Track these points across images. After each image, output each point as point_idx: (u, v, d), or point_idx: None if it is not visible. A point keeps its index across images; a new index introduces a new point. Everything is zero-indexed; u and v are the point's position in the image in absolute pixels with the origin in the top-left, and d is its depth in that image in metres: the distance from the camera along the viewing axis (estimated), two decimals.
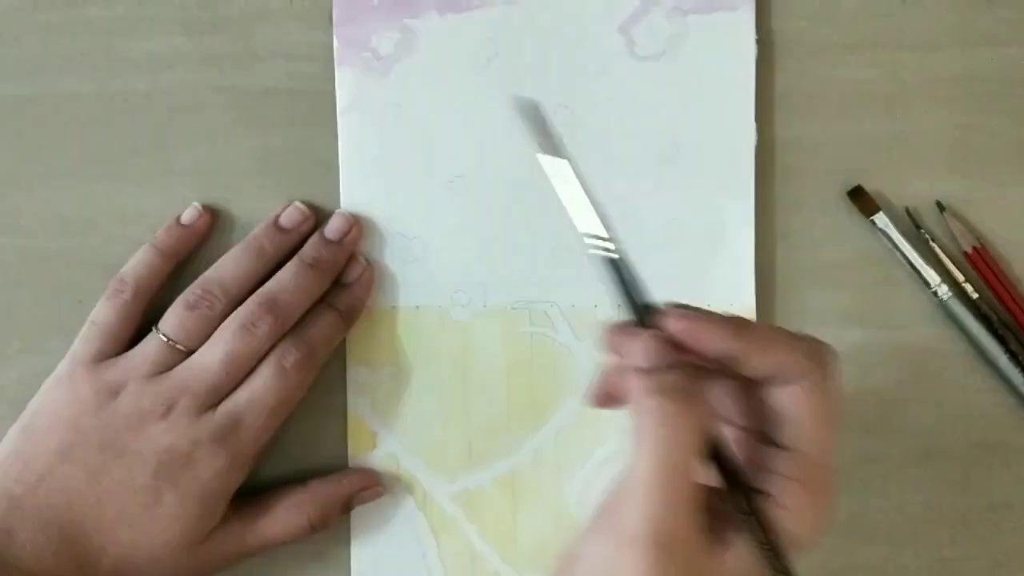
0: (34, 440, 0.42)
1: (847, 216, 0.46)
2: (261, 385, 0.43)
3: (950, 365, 0.46)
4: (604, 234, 0.34)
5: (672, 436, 0.31)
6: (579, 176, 0.35)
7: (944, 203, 0.46)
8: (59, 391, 0.43)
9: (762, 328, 0.34)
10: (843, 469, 0.46)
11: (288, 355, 0.43)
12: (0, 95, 0.47)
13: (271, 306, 0.43)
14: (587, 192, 0.35)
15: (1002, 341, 0.45)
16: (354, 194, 0.46)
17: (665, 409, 0.32)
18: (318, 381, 0.45)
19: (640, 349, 0.33)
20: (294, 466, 0.47)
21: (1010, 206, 0.46)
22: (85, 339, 0.44)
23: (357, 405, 0.47)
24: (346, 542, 0.47)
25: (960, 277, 0.46)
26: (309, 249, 0.45)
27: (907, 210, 0.46)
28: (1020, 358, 0.45)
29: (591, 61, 0.46)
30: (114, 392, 0.42)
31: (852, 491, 0.47)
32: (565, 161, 0.35)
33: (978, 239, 0.46)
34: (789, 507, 0.32)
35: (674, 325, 0.33)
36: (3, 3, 0.47)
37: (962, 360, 0.46)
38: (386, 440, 0.47)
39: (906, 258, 0.46)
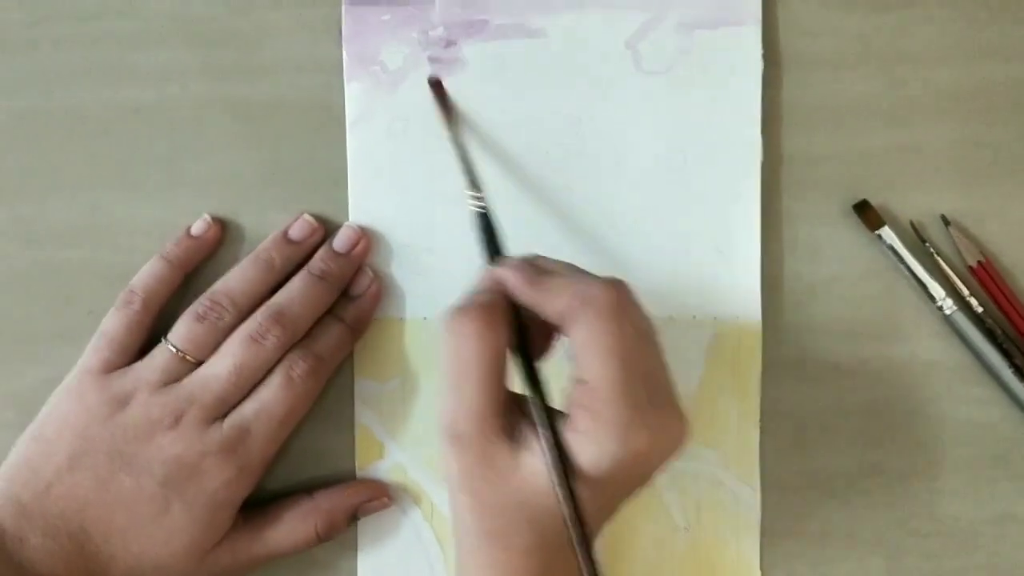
0: (43, 448, 0.42)
1: (852, 230, 0.47)
2: (269, 396, 0.43)
3: (955, 378, 0.47)
4: (477, 192, 0.42)
5: (454, 344, 0.37)
6: (460, 142, 0.44)
7: (949, 217, 0.46)
8: (68, 400, 0.43)
9: (551, 279, 0.38)
10: (847, 481, 0.47)
11: (296, 366, 0.43)
12: (11, 106, 0.47)
13: (279, 318, 0.43)
14: (466, 155, 0.44)
15: (1007, 355, 0.45)
16: (363, 206, 0.47)
17: (450, 322, 0.37)
18: (326, 392, 0.46)
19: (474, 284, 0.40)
20: (302, 476, 0.47)
21: (1015, 220, 0.47)
22: (94, 349, 0.44)
23: (365, 416, 0.47)
24: (353, 552, 0.47)
25: (965, 291, 0.46)
26: (317, 261, 0.45)
27: (912, 224, 0.46)
28: None
29: (598, 76, 0.46)
30: (123, 402, 0.43)
31: (855, 503, 0.47)
32: (448, 132, 0.45)
33: (983, 253, 0.46)
34: (577, 430, 0.36)
35: (497, 271, 0.39)
36: (14, 16, 0.47)
37: (966, 373, 0.47)
38: (393, 451, 0.47)
39: (911, 272, 0.46)
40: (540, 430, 0.37)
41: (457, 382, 0.37)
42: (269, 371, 0.43)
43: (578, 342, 0.36)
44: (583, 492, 0.36)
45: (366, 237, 0.46)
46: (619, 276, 0.46)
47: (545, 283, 0.38)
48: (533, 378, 0.38)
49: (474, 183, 0.43)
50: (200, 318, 0.44)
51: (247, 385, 0.43)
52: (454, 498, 0.38)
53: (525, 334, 0.39)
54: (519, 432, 0.37)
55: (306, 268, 0.45)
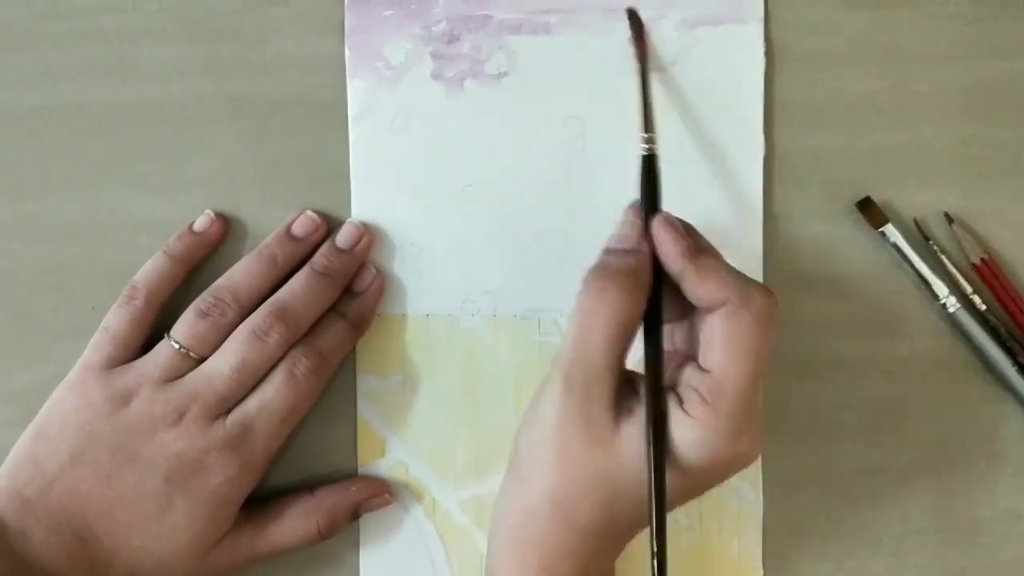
0: (45, 444, 0.42)
1: (856, 227, 0.47)
2: (272, 393, 0.43)
3: (958, 376, 0.47)
4: (650, 133, 0.41)
5: (592, 305, 0.37)
6: (645, 80, 0.43)
7: (952, 214, 0.46)
8: (71, 397, 0.43)
9: (710, 260, 0.38)
10: (850, 479, 0.47)
11: (299, 363, 0.43)
12: (14, 103, 0.47)
13: (282, 314, 0.43)
14: (646, 95, 0.42)
15: (1010, 352, 0.45)
16: (365, 203, 0.47)
17: (592, 282, 0.38)
18: (328, 388, 0.46)
19: (616, 230, 0.40)
20: (304, 472, 0.47)
21: (1019, 217, 0.47)
22: (97, 345, 0.44)
23: (366, 412, 0.47)
24: (355, 548, 0.47)
25: (968, 288, 0.46)
26: (320, 258, 0.45)
27: (915, 221, 0.46)
28: None
29: (601, 72, 0.46)
30: (126, 398, 0.43)
31: (858, 500, 0.47)
32: (637, 65, 0.43)
33: (986, 250, 0.46)
34: (689, 414, 0.36)
35: (653, 226, 0.39)
36: (17, 12, 0.47)
37: (969, 371, 0.47)
38: (395, 447, 0.47)
39: (914, 269, 0.46)
40: (646, 397, 0.37)
41: (584, 336, 0.37)
42: (272, 367, 0.43)
43: (720, 334, 0.36)
44: (668, 474, 0.36)
45: (368, 233, 0.46)
46: None
47: (704, 263, 0.38)
48: (656, 348, 0.38)
49: (649, 124, 0.42)
50: (203, 314, 0.44)
51: (250, 382, 0.43)
52: (537, 451, 0.38)
53: (660, 307, 0.39)
54: (625, 403, 0.38)
55: (309, 264, 0.45)
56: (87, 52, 0.47)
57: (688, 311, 0.39)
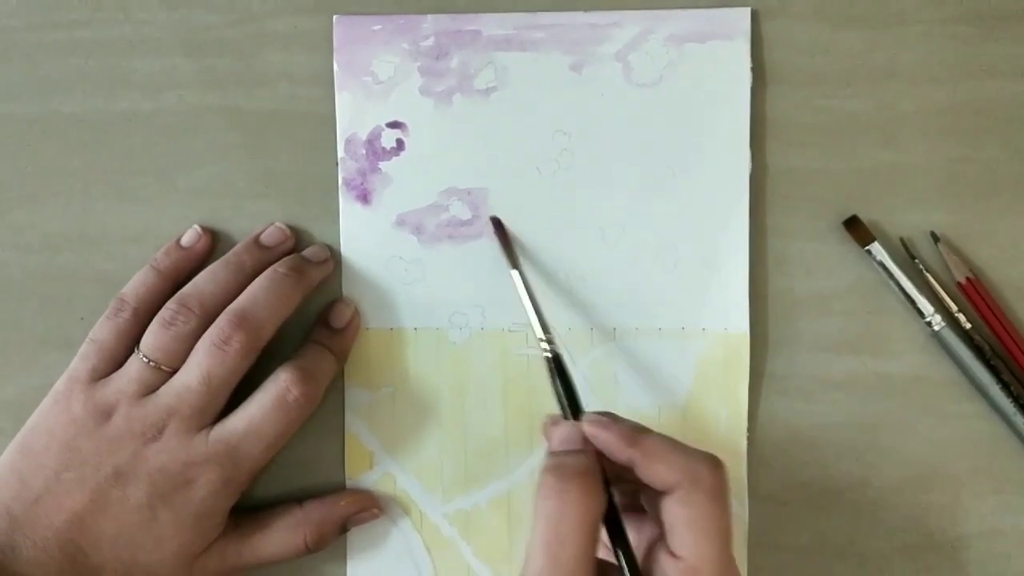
0: (31, 459, 0.42)
1: (842, 245, 0.47)
2: (260, 416, 0.43)
3: (942, 394, 0.47)
4: (548, 335, 0.41)
5: (558, 509, 0.35)
6: (527, 284, 0.43)
7: (938, 234, 0.46)
8: (56, 410, 0.43)
9: (655, 441, 0.37)
10: (835, 495, 0.47)
11: (293, 388, 0.43)
12: (5, 113, 0.47)
13: (240, 321, 0.43)
14: (532, 298, 0.43)
15: (994, 371, 0.45)
16: (353, 216, 0.47)
17: (553, 485, 0.36)
18: None
19: (555, 436, 0.39)
20: (292, 485, 0.47)
21: (1003, 237, 0.47)
22: (83, 357, 0.44)
23: (354, 425, 0.47)
24: (342, 560, 0.47)
25: (953, 307, 0.46)
26: (281, 265, 0.45)
27: (901, 240, 0.46)
28: (1012, 388, 0.45)
29: (588, 88, 0.46)
30: (107, 413, 0.43)
31: (843, 518, 0.47)
32: (516, 272, 0.44)
33: (971, 270, 0.46)
34: None
35: (586, 428, 0.38)
36: (8, 22, 0.47)
37: (954, 389, 0.47)
38: (383, 460, 0.47)
39: (900, 288, 0.46)
40: None
41: (554, 547, 0.35)
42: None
43: (682, 518, 0.36)
44: None
45: (331, 259, 0.47)
46: (607, 287, 0.46)
47: (647, 446, 0.37)
48: (626, 545, 0.37)
49: (544, 326, 0.42)
50: (167, 324, 0.43)
51: (221, 393, 0.43)
52: None
53: (614, 499, 0.38)
54: None
55: (270, 268, 0.45)
56: (79, 63, 0.47)
57: (631, 477, 0.38)
